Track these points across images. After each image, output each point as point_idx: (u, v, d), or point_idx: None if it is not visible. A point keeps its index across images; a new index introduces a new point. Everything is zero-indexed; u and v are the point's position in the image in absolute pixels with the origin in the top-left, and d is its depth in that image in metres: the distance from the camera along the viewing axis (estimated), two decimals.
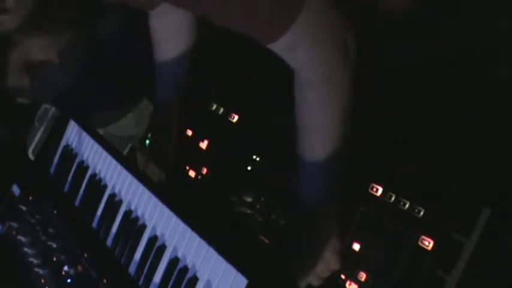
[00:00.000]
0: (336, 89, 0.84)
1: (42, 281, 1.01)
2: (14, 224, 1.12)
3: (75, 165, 1.13)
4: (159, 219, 0.91)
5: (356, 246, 0.91)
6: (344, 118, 0.86)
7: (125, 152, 1.39)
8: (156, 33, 1.15)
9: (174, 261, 0.86)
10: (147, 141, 1.31)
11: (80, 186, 1.09)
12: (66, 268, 1.00)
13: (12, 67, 0.78)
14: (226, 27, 0.78)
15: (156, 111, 1.27)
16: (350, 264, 0.91)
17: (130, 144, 1.41)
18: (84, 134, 1.13)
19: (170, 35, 1.14)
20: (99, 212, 1.03)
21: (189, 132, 1.23)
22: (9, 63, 0.77)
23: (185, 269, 0.84)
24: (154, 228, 0.92)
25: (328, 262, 0.91)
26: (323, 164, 0.88)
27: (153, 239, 0.91)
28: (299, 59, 0.82)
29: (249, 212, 1.06)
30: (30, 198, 1.15)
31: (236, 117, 1.15)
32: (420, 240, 0.84)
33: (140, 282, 0.90)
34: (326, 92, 0.84)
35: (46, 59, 0.81)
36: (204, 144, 1.19)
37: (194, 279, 0.83)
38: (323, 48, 0.82)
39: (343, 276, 0.92)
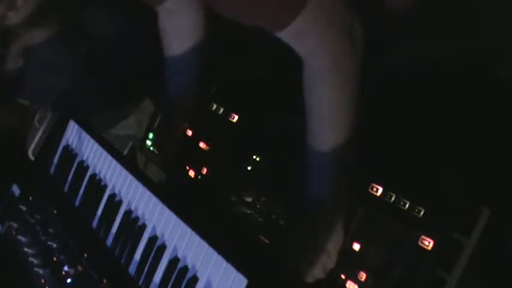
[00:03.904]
0: (344, 77, 0.85)
1: (42, 281, 1.01)
2: (14, 224, 1.12)
3: (75, 165, 1.13)
4: (159, 219, 0.91)
5: (356, 246, 0.91)
6: (352, 105, 0.87)
7: (125, 152, 1.39)
8: (166, 32, 1.15)
9: (174, 261, 0.86)
10: (147, 141, 1.31)
11: (80, 186, 1.09)
12: (66, 268, 1.00)
13: (12, 53, 0.85)
14: (233, 17, 0.78)
15: (165, 109, 1.27)
16: (350, 264, 0.91)
17: (130, 144, 1.41)
18: (84, 134, 1.13)
19: (180, 33, 1.15)
20: (99, 212, 1.03)
21: (189, 132, 1.23)
22: (10, 51, 0.84)
23: (185, 269, 0.84)
24: (154, 228, 0.92)
25: (330, 255, 0.91)
26: (334, 154, 0.88)
27: (153, 239, 0.91)
28: (308, 47, 0.83)
29: (249, 212, 1.06)
30: (30, 198, 1.15)
31: (236, 117, 1.15)
32: (420, 240, 0.84)
33: (140, 282, 0.90)
34: (334, 79, 0.85)
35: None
36: (204, 144, 1.19)
37: (194, 279, 0.83)
38: (331, 36, 0.83)
39: (343, 276, 0.92)
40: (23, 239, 1.08)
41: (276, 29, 0.79)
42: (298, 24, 0.77)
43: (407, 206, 0.87)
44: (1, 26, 0.82)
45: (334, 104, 0.87)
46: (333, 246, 0.92)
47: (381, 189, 0.90)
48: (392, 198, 0.89)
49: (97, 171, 1.07)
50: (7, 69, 0.90)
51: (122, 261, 0.95)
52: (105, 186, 1.04)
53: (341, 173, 0.91)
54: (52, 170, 1.19)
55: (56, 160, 1.19)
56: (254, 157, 1.08)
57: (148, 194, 0.95)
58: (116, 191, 1.02)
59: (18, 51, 0.87)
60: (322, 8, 0.79)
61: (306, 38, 0.81)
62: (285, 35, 0.80)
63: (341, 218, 0.92)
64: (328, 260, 0.92)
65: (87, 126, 1.15)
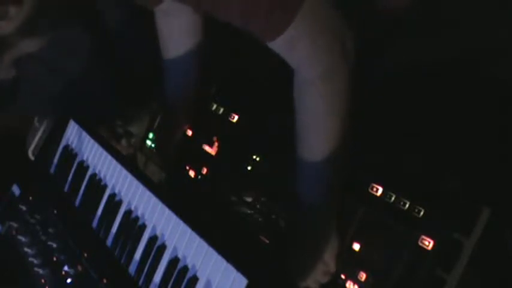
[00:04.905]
0: (335, 87, 0.85)
1: (42, 281, 1.01)
2: (14, 224, 1.12)
3: (75, 165, 1.13)
4: (159, 219, 0.91)
5: (356, 246, 0.91)
6: (343, 116, 0.87)
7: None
8: (163, 33, 1.15)
9: (174, 261, 0.86)
10: (147, 141, 1.31)
11: (80, 186, 1.09)
12: (66, 268, 1.00)
13: (4, 64, 0.84)
14: (228, 22, 0.78)
15: (164, 109, 1.27)
16: (350, 264, 0.91)
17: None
18: (84, 134, 1.13)
19: (177, 34, 1.14)
20: (99, 212, 1.03)
21: (189, 132, 1.23)
22: (1, 61, 0.83)
23: (185, 269, 0.84)
24: (154, 228, 0.92)
25: (327, 265, 0.91)
26: (322, 164, 0.88)
27: (153, 239, 0.91)
28: (299, 57, 0.83)
29: (249, 212, 1.06)
30: (30, 198, 1.15)
31: (236, 117, 1.15)
32: (420, 240, 0.84)
33: (140, 282, 0.90)
34: (325, 89, 0.85)
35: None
36: (204, 144, 1.19)
37: (194, 279, 0.83)
38: (322, 45, 0.82)
39: (343, 276, 0.92)
40: (23, 239, 1.09)
41: (269, 39, 0.78)
42: (289, 34, 0.77)
43: (407, 206, 0.87)
44: None
45: (324, 114, 0.87)
46: (332, 246, 0.92)
47: (381, 189, 0.90)
48: (392, 198, 0.88)
49: (97, 171, 1.07)
50: (0, 79, 0.90)
51: (122, 261, 0.95)
52: (105, 186, 1.04)
53: (331, 179, 0.91)
54: (52, 170, 1.19)
55: (56, 160, 1.19)
56: (254, 157, 1.08)
57: (148, 194, 0.95)
58: (116, 191, 1.02)
59: (10, 61, 0.86)
60: (314, 17, 0.79)
61: (298, 47, 0.80)
62: (277, 44, 0.79)
63: (337, 219, 0.92)
64: (327, 260, 0.92)
65: (87, 126, 1.15)
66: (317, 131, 0.88)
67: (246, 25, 0.77)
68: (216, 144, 1.17)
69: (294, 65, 0.85)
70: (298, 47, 0.80)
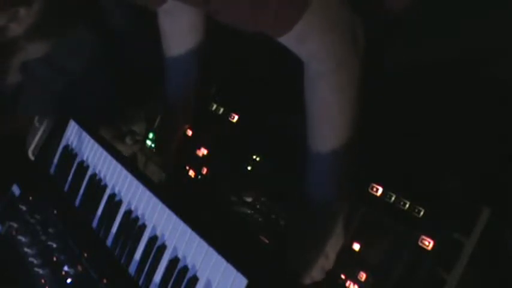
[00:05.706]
0: (346, 78, 0.85)
1: (42, 281, 1.01)
2: (14, 224, 1.12)
3: (75, 165, 1.13)
4: (159, 219, 0.91)
5: (356, 246, 0.91)
6: (354, 107, 0.87)
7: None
8: (165, 32, 1.15)
9: (174, 261, 0.86)
10: (147, 141, 1.31)
11: (80, 186, 1.09)
12: (66, 268, 1.00)
13: (12, 68, 0.83)
14: (233, 25, 0.78)
15: (165, 109, 1.27)
16: (350, 264, 0.91)
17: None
18: (84, 134, 1.13)
19: (179, 33, 1.15)
20: (99, 212, 1.03)
21: (189, 132, 1.23)
22: (10, 65, 0.82)
23: (185, 269, 0.84)
24: (154, 228, 0.92)
25: (328, 258, 0.91)
26: (335, 156, 0.88)
27: (153, 239, 0.91)
28: (309, 50, 0.83)
29: (249, 212, 1.06)
30: (30, 198, 1.15)
31: (236, 117, 1.15)
32: (420, 240, 0.84)
33: (140, 282, 0.90)
34: (336, 81, 0.85)
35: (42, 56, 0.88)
36: (204, 145, 1.19)
37: (194, 279, 0.83)
38: (333, 38, 0.82)
39: (343, 276, 0.92)
40: (23, 239, 1.08)
41: (279, 34, 0.78)
42: (300, 28, 0.77)
43: (407, 206, 0.87)
44: (3, 38, 0.81)
45: (336, 106, 0.87)
46: (333, 246, 0.92)
47: (381, 189, 0.90)
48: (393, 198, 0.89)
49: (97, 171, 1.07)
50: (7, 83, 0.89)
51: (122, 261, 0.95)
52: (105, 186, 1.04)
53: (343, 174, 0.91)
54: (52, 170, 1.19)
55: (56, 160, 1.19)
56: (254, 157, 1.08)
57: (148, 194, 0.95)
58: (116, 191, 1.02)
59: (18, 64, 0.86)
60: (324, 10, 0.79)
61: (308, 41, 0.81)
62: (287, 39, 0.79)
63: (341, 218, 0.92)
64: (327, 259, 0.92)
65: (87, 126, 1.15)
66: (330, 121, 0.88)
67: (255, 23, 0.77)
68: (216, 144, 1.17)
69: (304, 59, 0.85)
70: (308, 42, 0.81)
